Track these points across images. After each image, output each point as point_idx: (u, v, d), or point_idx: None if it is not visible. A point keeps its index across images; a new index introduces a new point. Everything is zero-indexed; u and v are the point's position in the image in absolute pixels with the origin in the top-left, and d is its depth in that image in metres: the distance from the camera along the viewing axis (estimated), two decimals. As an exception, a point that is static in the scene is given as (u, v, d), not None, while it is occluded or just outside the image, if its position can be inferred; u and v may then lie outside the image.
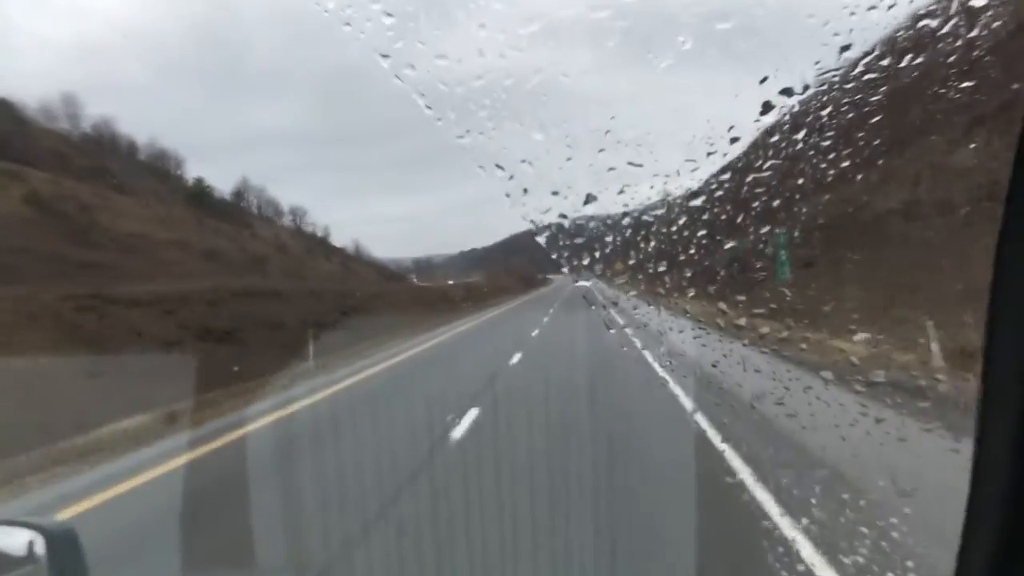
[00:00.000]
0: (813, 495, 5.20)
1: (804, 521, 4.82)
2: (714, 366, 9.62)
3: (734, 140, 4.94)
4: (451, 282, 55.08)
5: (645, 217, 7.18)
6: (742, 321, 10.59)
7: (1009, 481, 1.22)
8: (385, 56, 3.74)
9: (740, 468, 6.59)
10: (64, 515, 7.03)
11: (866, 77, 4.61)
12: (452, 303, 47.40)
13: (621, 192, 4.98)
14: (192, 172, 56.07)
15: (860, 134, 6.15)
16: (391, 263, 56.71)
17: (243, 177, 55.68)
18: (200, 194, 49.39)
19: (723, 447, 7.23)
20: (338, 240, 61.94)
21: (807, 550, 4.49)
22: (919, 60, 3.74)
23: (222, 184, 54.82)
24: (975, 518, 1.32)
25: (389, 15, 3.63)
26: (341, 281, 50.69)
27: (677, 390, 10.61)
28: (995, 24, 3.01)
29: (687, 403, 9.80)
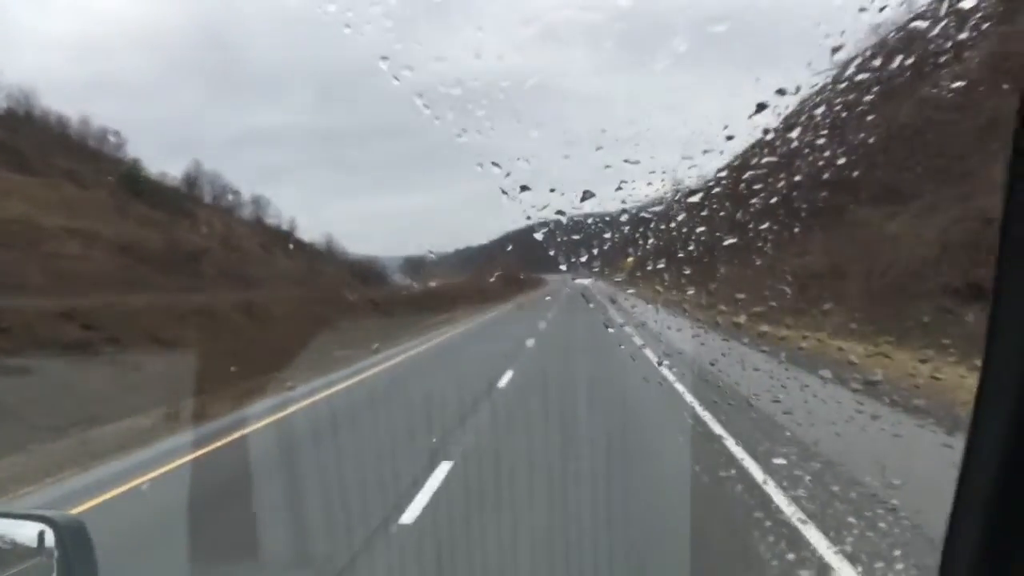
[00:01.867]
0: (805, 487, 5.26)
1: (796, 512, 4.88)
2: (712, 364, 9.67)
3: (730, 138, 5.01)
4: (433, 284, 47.96)
5: (643, 214, 7.22)
6: (741, 319, 10.62)
7: (997, 475, 1.23)
8: (384, 58, 3.81)
9: (736, 463, 6.66)
10: None
11: (858, 78, 4.67)
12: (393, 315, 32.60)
13: (619, 189, 5.05)
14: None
15: (853, 133, 6.22)
16: (380, 261, 51.84)
17: (194, 160, 48.16)
18: (132, 178, 39.74)
19: (721, 444, 7.31)
20: (314, 235, 55.04)
21: (798, 540, 4.54)
22: (910, 61, 3.79)
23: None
24: (961, 510, 1.34)
25: (388, 17, 3.70)
26: (303, 281, 43.07)
27: (677, 388, 10.68)
28: (985, 25, 3.06)
29: (686, 400, 9.85)
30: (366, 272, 49.47)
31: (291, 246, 47.59)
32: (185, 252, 37.57)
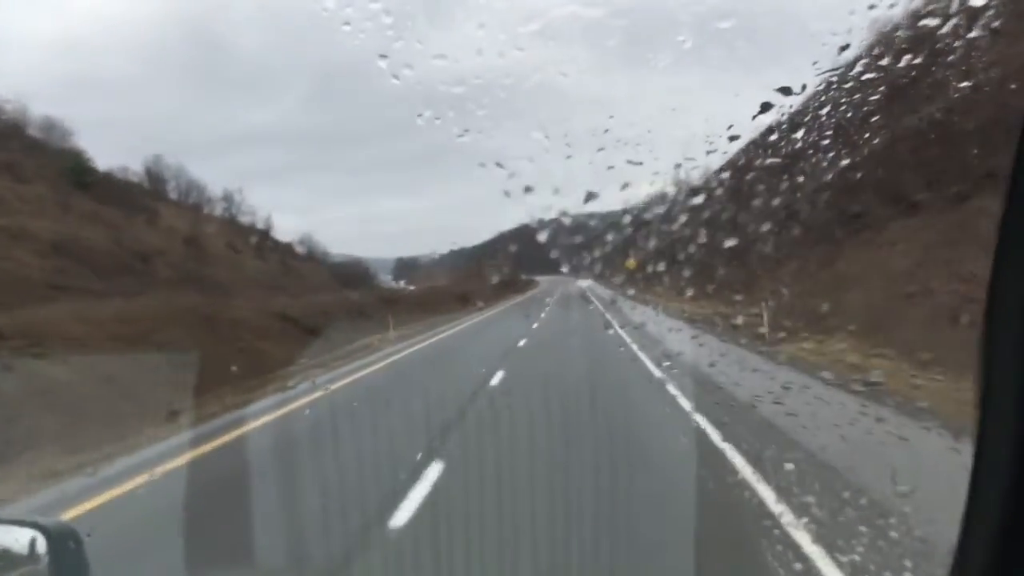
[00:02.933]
0: (813, 494, 5.20)
1: (803, 519, 4.83)
2: (711, 366, 9.61)
3: (733, 138, 4.97)
4: (412, 288, 43.85)
5: (646, 215, 7.17)
6: (739, 321, 10.60)
7: (1009, 481, 1.21)
8: (383, 56, 3.76)
9: (740, 467, 6.60)
10: None
11: (864, 77, 4.63)
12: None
13: (622, 189, 5.02)
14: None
15: (858, 134, 6.18)
16: (364, 263, 48.42)
17: (156, 155, 44.58)
18: (79, 171, 37.09)
19: (723, 447, 7.25)
20: (296, 236, 50.80)
21: (806, 548, 4.50)
22: (917, 60, 3.75)
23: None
24: (973, 518, 1.31)
25: (388, 14, 3.65)
26: (275, 284, 38.54)
27: (677, 389, 10.63)
28: (995, 24, 3.01)
29: (685, 404, 9.80)
30: (349, 274, 46.30)
31: (267, 246, 42.87)
32: (134, 252, 33.58)
